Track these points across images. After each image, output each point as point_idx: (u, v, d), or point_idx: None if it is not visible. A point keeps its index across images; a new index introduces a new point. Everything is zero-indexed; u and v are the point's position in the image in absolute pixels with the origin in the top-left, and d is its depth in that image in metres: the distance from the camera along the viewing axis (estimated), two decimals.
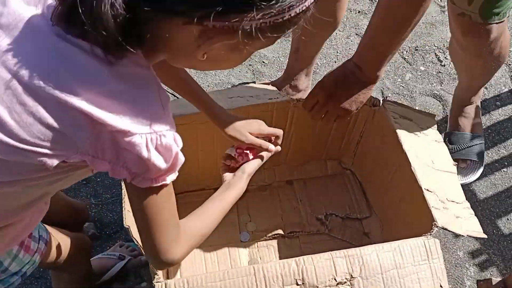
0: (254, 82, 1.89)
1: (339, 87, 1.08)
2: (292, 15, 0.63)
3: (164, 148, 0.66)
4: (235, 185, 0.98)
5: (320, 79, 1.12)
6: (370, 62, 1.05)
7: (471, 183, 1.68)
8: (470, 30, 1.26)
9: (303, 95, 1.73)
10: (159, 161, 0.66)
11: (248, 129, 1.01)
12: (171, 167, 0.69)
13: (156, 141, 0.65)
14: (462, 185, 1.31)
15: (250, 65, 1.98)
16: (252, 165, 1.00)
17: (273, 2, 0.60)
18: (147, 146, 0.64)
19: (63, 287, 1.28)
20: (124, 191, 1.01)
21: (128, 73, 0.64)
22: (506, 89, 1.92)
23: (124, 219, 0.96)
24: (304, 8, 0.64)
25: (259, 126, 1.03)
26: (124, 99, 0.63)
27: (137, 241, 0.94)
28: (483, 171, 1.72)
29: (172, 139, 0.67)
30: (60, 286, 1.29)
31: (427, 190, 1.12)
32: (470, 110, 1.66)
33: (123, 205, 0.98)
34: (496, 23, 1.23)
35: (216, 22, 0.60)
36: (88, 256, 1.29)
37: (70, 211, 1.41)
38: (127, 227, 0.95)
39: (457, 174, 1.30)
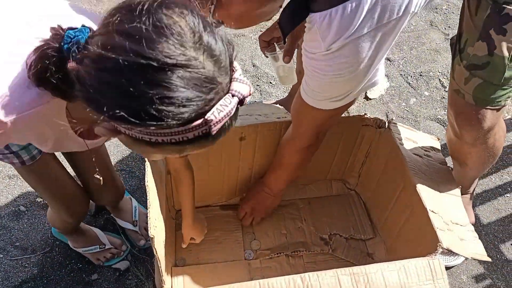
0: (262, 102, 1.92)
1: (256, 202, 1.48)
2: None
3: None
4: None
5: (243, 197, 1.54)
6: (274, 185, 1.44)
7: (474, 207, 1.69)
8: (463, 111, 1.19)
9: None
10: None
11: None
12: None
13: None
14: None
15: (258, 85, 2.01)
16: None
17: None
18: None
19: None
20: (150, 200, 1.04)
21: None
22: (509, 116, 1.95)
23: (149, 229, 0.99)
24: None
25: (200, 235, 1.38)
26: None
27: (156, 251, 0.98)
28: (486, 196, 1.73)
29: None
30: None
31: (432, 211, 1.13)
32: (462, 199, 1.59)
33: (148, 215, 1.01)
34: (490, 109, 1.16)
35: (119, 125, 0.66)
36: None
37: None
38: (152, 236, 0.98)
39: (444, 255, 1.41)
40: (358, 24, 0.83)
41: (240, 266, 1.41)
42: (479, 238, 1.18)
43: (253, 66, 2.07)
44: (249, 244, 1.47)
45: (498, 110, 1.17)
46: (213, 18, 0.81)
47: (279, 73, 1.34)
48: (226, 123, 0.67)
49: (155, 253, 0.97)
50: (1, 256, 1.50)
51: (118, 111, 0.62)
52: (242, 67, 2.06)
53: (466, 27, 1.12)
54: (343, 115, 1.87)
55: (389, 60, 2.13)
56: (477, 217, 1.67)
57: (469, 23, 1.10)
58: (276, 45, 1.26)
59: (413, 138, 1.38)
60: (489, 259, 1.12)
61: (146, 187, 1.05)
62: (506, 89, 1.11)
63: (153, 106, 0.60)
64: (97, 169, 1.15)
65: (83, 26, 0.70)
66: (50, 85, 0.72)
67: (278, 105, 1.48)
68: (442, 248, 1.02)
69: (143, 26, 0.61)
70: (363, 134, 1.45)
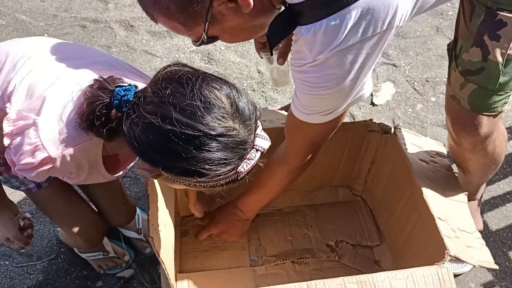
0: (267, 108, 1.92)
1: (227, 226, 1.44)
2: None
3: None
4: None
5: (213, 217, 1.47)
6: (249, 209, 1.41)
7: (482, 214, 1.68)
8: (459, 117, 1.18)
9: None
10: None
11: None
12: None
13: None
14: None
15: (263, 91, 2.01)
16: None
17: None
18: None
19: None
20: (149, 204, 1.07)
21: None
22: None
23: (148, 231, 1.01)
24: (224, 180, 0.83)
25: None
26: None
27: (158, 253, 0.99)
28: (494, 203, 1.72)
29: None
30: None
31: (439, 218, 1.12)
32: (470, 205, 1.56)
33: (147, 217, 1.03)
34: (486, 115, 1.15)
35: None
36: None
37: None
38: (151, 238, 1.00)
39: (452, 263, 1.38)
40: (342, 37, 0.85)
41: (245, 273, 1.40)
42: (487, 245, 1.17)
43: (258, 72, 2.07)
44: (255, 251, 1.46)
45: (494, 116, 1.16)
46: (209, 34, 0.84)
47: (273, 75, 1.36)
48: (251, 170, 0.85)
49: (157, 255, 0.97)
50: (7, 263, 1.51)
51: (168, 166, 0.79)
52: (248, 73, 2.07)
53: (461, 33, 1.13)
54: (348, 121, 1.87)
55: (395, 66, 2.12)
56: (485, 224, 1.66)
57: (464, 29, 1.11)
58: None
59: (419, 143, 1.37)
60: (497, 267, 1.10)
61: (148, 192, 1.06)
62: (502, 94, 1.11)
63: (199, 165, 0.78)
64: (110, 190, 1.30)
65: (129, 85, 0.85)
66: (98, 131, 0.85)
67: (283, 111, 1.48)
68: (449, 255, 1.01)
69: (195, 103, 0.77)
70: (369, 140, 1.44)
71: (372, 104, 1.99)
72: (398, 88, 2.05)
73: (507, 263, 1.58)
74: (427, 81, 2.08)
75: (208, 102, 0.77)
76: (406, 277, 0.98)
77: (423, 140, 1.40)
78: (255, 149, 0.84)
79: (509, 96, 1.12)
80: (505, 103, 1.13)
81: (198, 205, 1.41)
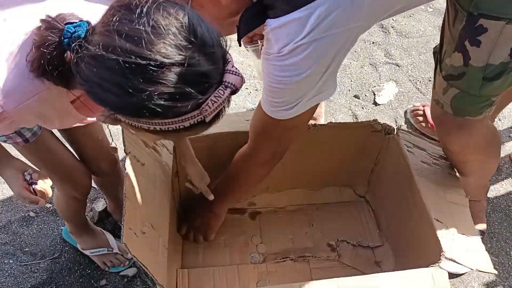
0: None
1: (204, 221, 1.44)
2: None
3: None
4: None
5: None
6: (218, 200, 1.38)
7: (486, 214, 1.67)
8: (442, 121, 1.19)
9: (317, 121, 1.76)
10: None
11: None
12: None
13: None
14: None
15: None
16: None
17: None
18: None
19: None
20: (125, 208, 1.01)
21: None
22: None
23: (122, 236, 0.95)
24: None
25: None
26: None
27: (136, 258, 0.96)
28: (497, 202, 1.71)
29: None
30: None
31: (437, 220, 1.12)
32: (473, 205, 1.54)
33: (122, 222, 0.98)
34: (468, 120, 1.15)
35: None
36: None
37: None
38: (124, 244, 0.94)
39: (455, 262, 1.35)
40: (307, 31, 0.87)
41: (246, 270, 1.41)
42: (491, 245, 1.16)
43: None
44: (256, 248, 1.47)
45: (478, 121, 1.16)
46: None
47: (258, 69, 1.39)
48: (220, 110, 0.74)
49: (136, 259, 0.94)
50: (11, 261, 1.53)
51: (118, 105, 0.69)
52: (250, 73, 2.07)
53: (446, 38, 1.14)
54: (351, 121, 1.87)
55: (398, 66, 2.12)
56: (488, 224, 1.65)
57: (448, 34, 1.12)
58: (259, 42, 1.30)
59: (421, 145, 1.37)
60: (495, 272, 1.10)
61: (124, 195, 1.01)
62: (485, 99, 1.11)
63: (152, 102, 0.67)
64: (93, 138, 1.26)
65: (81, 20, 0.74)
66: (52, 77, 0.76)
67: None
68: (445, 258, 1.01)
69: (142, 28, 0.66)
70: (372, 140, 1.44)
71: (375, 103, 1.98)
72: (400, 87, 2.04)
73: (510, 263, 1.57)
74: (429, 80, 2.07)
75: (159, 27, 0.66)
76: (400, 278, 0.98)
77: (426, 142, 1.40)
78: (223, 86, 0.72)
79: (493, 101, 1.13)
80: (489, 108, 1.13)
81: (198, 170, 1.32)
